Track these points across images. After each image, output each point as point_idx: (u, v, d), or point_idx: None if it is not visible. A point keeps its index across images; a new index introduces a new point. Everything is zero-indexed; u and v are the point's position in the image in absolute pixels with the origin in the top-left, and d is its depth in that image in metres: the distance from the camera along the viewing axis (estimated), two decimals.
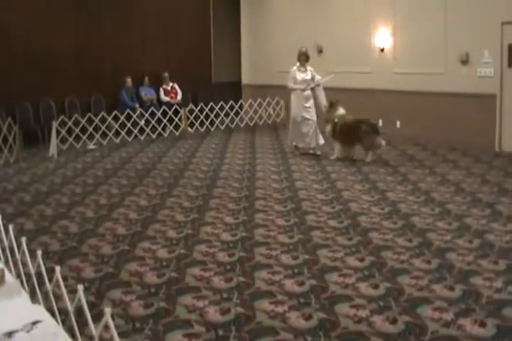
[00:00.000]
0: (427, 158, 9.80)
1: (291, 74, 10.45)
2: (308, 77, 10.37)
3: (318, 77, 10.42)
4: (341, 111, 10.00)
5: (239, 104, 14.66)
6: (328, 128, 10.08)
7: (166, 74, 14.15)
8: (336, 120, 9.90)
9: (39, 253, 3.52)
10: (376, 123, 9.82)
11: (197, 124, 13.73)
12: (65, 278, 4.43)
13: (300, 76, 10.37)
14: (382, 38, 12.21)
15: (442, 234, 5.71)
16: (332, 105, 10.09)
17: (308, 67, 10.45)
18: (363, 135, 9.52)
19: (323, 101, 10.34)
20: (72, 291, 3.90)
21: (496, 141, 10.24)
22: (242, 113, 14.79)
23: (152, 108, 13.29)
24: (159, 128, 13.19)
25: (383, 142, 9.67)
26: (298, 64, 10.45)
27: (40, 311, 2.57)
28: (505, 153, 10.04)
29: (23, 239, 3.74)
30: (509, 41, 9.90)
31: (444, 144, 10.85)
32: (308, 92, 10.34)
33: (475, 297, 4.22)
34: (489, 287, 4.39)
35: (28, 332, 2.23)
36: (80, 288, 2.85)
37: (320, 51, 13.61)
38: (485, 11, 10.12)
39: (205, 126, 13.85)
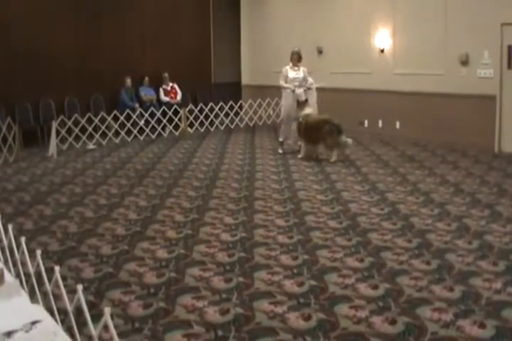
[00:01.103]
0: (426, 159, 9.80)
1: (283, 73, 10.68)
2: (301, 75, 10.54)
3: (310, 80, 10.57)
4: (307, 110, 10.11)
5: (238, 104, 14.66)
6: (294, 127, 10.32)
7: (166, 75, 14.15)
8: (301, 119, 10.03)
9: (38, 253, 3.52)
10: (339, 123, 9.74)
11: (196, 124, 13.73)
12: (64, 278, 4.43)
13: (291, 74, 10.55)
14: (382, 38, 12.21)
15: (442, 235, 5.71)
16: (299, 104, 10.20)
17: (302, 68, 10.63)
18: (325, 135, 9.68)
19: (314, 105, 10.51)
20: (72, 291, 3.89)
21: (495, 141, 10.25)
22: (241, 113, 14.79)
23: (152, 108, 13.28)
24: (159, 129, 13.19)
25: (349, 140, 9.75)
26: (291, 64, 10.65)
27: (39, 311, 2.56)
28: (505, 153, 10.05)
29: (23, 239, 3.75)
30: (509, 42, 9.90)
31: (443, 145, 10.85)
32: (299, 91, 10.41)
33: (474, 298, 4.22)
34: (489, 288, 4.39)
35: (27, 331, 2.22)
36: (80, 287, 2.85)
37: (320, 52, 13.61)
38: (485, 12, 10.12)
39: (204, 127, 13.85)
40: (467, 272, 4.73)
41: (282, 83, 10.64)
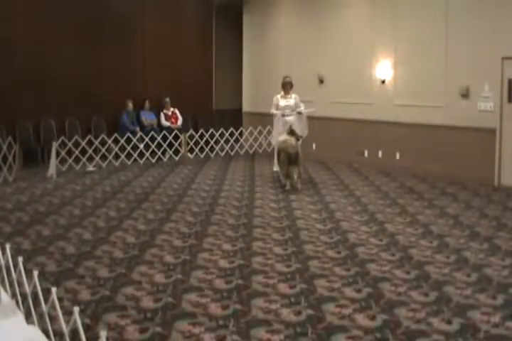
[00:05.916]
0: (425, 191, 9.80)
1: (274, 102, 11.02)
2: (292, 103, 10.87)
3: (302, 107, 10.84)
4: (283, 137, 10.06)
5: (239, 131, 14.73)
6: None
7: (168, 100, 14.23)
8: (278, 145, 10.17)
9: (35, 273, 3.50)
10: (295, 153, 9.61)
11: (197, 150, 13.78)
12: (60, 300, 4.40)
13: (282, 102, 10.90)
14: (383, 70, 12.32)
15: (440, 267, 5.68)
16: (288, 132, 10.21)
17: (293, 95, 11.00)
18: (280, 163, 9.88)
19: (304, 130, 10.83)
20: (68, 313, 3.86)
21: (495, 175, 10.27)
22: (242, 140, 14.84)
23: (152, 132, 13.32)
24: (159, 153, 13.22)
25: (295, 176, 9.71)
26: (282, 92, 10.98)
27: (35, 332, 2.55)
28: (504, 187, 10.06)
29: (20, 259, 3.73)
30: (509, 76, 9.99)
31: (443, 177, 10.86)
32: (290, 118, 10.59)
33: (472, 331, 4.19)
34: (487, 321, 4.36)
35: None
36: (76, 310, 2.83)
37: (321, 81, 13.72)
38: (485, 45, 10.23)
39: (204, 152, 13.89)
40: (465, 305, 4.70)
41: (273, 111, 11.00)
